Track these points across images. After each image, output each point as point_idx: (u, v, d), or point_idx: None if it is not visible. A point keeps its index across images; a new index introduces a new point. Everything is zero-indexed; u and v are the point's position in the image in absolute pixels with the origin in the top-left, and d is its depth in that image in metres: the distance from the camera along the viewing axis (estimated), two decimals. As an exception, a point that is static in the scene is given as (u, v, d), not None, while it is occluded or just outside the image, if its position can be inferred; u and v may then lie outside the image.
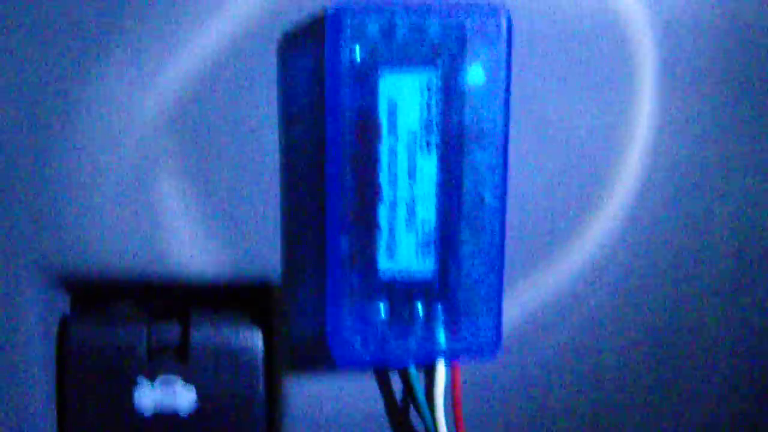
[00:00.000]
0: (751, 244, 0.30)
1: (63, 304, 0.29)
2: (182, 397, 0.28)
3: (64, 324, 0.29)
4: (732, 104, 0.29)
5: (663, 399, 0.31)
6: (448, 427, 0.28)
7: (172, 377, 0.28)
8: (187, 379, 0.28)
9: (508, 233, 0.27)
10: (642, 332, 0.30)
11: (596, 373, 0.30)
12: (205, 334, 0.28)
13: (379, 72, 0.25)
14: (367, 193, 0.26)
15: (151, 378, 0.28)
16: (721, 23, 0.28)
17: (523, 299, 0.29)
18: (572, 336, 0.30)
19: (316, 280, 0.28)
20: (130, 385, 0.28)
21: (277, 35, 0.27)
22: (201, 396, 0.28)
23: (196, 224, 0.28)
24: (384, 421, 0.29)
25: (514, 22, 0.26)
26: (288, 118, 0.27)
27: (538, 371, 0.30)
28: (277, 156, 0.27)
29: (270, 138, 0.27)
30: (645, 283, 0.30)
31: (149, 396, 0.28)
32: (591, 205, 0.29)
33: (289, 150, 0.27)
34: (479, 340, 0.27)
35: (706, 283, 0.30)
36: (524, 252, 0.29)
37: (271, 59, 0.27)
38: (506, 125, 0.26)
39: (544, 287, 0.29)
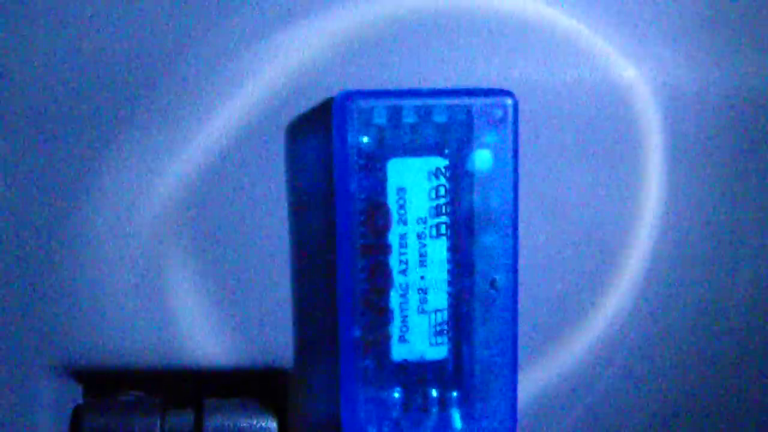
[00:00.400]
0: (765, 316, 0.30)
1: (75, 393, 0.29)
2: (197, 487, 0.28)
3: (76, 414, 0.29)
4: (740, 177, 0.29)
5: None
6: None
7: (186, 466, 0.28)
8: (202, 469, 0.28)
9: (521, 313, 0.27)
10: (656, 406, 0.30)
11: None
12: (219, 422, 0.28)
13: (386, 158, 0.26)
14: (379, 279, 0.26)
15: (165, 468, 0.28)
16: (727, 96, 0.28)
17: (538, 377, 0.29)
18: (587, 413, 0.30)
19: (329, 365, 0.28)
20: (144, 475, 0.28)
21: (286, 122, 0.27)
22: (216, 485, 0.28)
23: (208, 312, 0.28)
24: (400, 505, 0.29)
25: (520, 104, 0.26)
26: (298, 205, 0.27)
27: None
28: (287, 242, 0.27)
29: (280, 225, 0.27)
30: (658, 358, 0.30)
31: (163, 487, 0.28)
32: (602, 282, 0.29)
33: (299, 236, 0.27)
34: (494, 424, 0.27)
35: (720, 356, 0.30)
36: (537, 331, 0.29)
37: (280, 146, 0.27)
38: (515, 207, 0.26)
39: (558, 365, 0.29)
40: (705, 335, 0.30)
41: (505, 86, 0.27)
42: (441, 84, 0.27)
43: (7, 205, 0.27)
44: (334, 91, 0.27)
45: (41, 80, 0.26)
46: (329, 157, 0.27)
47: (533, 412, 0.29)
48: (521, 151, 0.26)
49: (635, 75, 0.28)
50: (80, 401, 0.29)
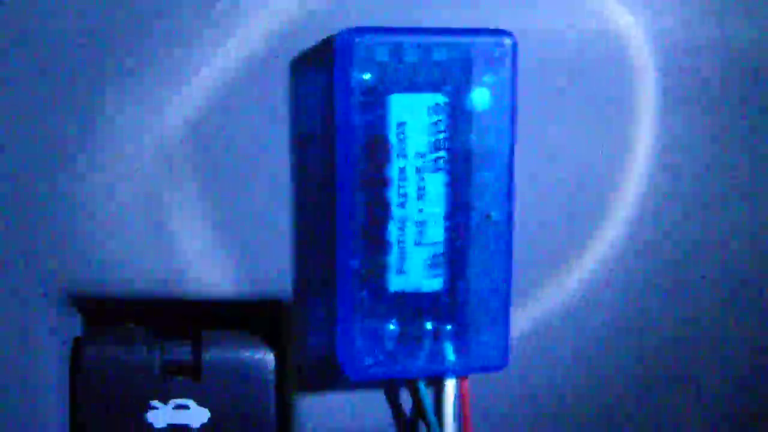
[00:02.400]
0: (749, 264, 0.31)
1: (75, 324, 0.29)
2: (195, 414, 0.29)
3: (76, 345, 0.29)
4: (732, 129, 0.30)
5: (670, 409, 0.31)
6: (457, 442, 0.29)
7: (185, 395, 0.29)
8: (200, 398, 0.29)
9: (515, 249, 0.28)
10: (646, 343, 0.31)
11: (604, 384, 0.31)
12: (217, 353, 0.29)
13: (388, 94, 0.26)
14: (377, 212, 0.27)
15: (164, 397, 0.29)
16: (722, 47, 0.29)
17: (530, 312, 0.30)
18: (579, 347, 0.30)
19: (326, 297, 0.28)
20: (143, 404, 0.29)
21: (289, 58, 0.27)
22: (213, 414, 0.29)
23: (208, 244, 0.28)
24: (394, 436, 0.30)
25: (519, 46, 0.27)
26: (300, 139, 0.28)
27: (547, 383, 0.30)
28: (288, 176, 0.28)
29: (281, 158, 0.28)
30: (648, 295, 0.30)
31: (162, 415, 0.29)
32: (594, 220, 0.30)
33: (300, 170, 0.28)
34: (487, 356, 0.28)
35: (706, 296, 0.31)
36: (531, 267, 0.29)
37: (283, 82, 0.27)
38: (512, 145, 0.27)
39: (550, 300, 0.30)
40: (694, 274, 0.31)
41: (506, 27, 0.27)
42: (438, 23, 0.27)
43: (10, 137, 0.27)
44: (337, 28, 0.27)
45: (50, 13, 0.26)
46: (331, 93, 0.27)
47: (527, 345, 0.30)
48: (519, 91, 0.27)
49: (631, 22, 0.29)
50: (80, 332, 0.30)
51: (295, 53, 0.27)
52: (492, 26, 0.28)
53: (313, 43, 0.27)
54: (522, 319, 0.30)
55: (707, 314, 0.31)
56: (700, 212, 0.30)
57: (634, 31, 0.29)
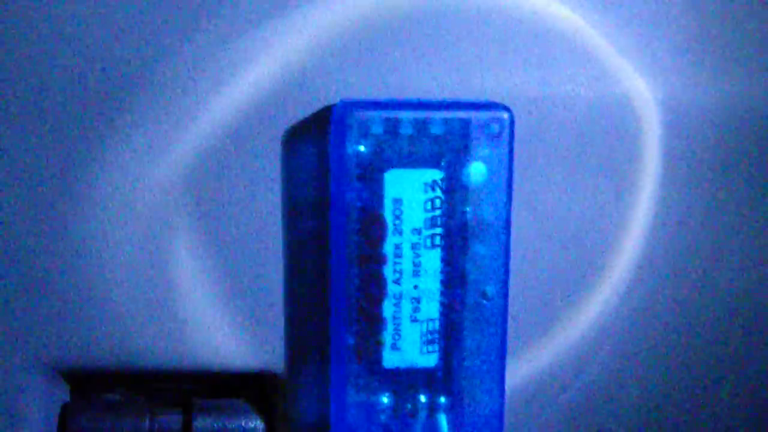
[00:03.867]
0: (747, 328, 0.31)
1: (63, 393, 0.29)
2: (185, 487, 0.28)
3: (64, 414, 0.29)
4: (732, 195, 0.30)
5: None
6: None
7: (174, 467, 0.28)
8: (190, 469, 0.28)
9: (509, 313, 0.28)
10: (638, 402, 0.31)
11: None
12: (207, 422, 0.28)
13: (383, 169, 0.26)
14: (373, 288, 0.26)
15: (154, 469, 0.28)
16: (724, 114, 0.29)
17: (522, 375, 0.30)
18: (572, 411, 0.30)
19: (319, 370, 0.28)
20: (132, 476, 0.28)
21: (282, 129, 0.27)
22: (203, 486, 0.28)
23: (200, 315, 0.28)
24: (386, 508, 0.30)
25: (516, 114, 0.27)
26: (293, 212, 0.27)
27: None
28: (281, 248, 0.27)
29: (275, 231, 0.27)
30: (642, 355, 0.31)
31: (151, 486, 0.28)
32: (587, 288, 0.29)
33: (293, 243, 0.27)
34: (481, 429, 0.27)
35: (701, 357, 0.31)
36: (522, 331, 0.29)
37: (277, 153, 0.27)
38: (508, 219, 0.27)
39: (542, 363, 0.30)
40: (690, 336, 0.31)
41: (502, 96, 0.27)
42: (437, 92, 0.27)
43: None
44: (331, 98, 0.27)
45: (44, 67, 0.26)
46: (325, 166, 0.27)
47: (519, 408, 0.30)
48: (516, 162, 0.27)
49: (631, 90, 0.28)
50: (68, 400, 0.29)
51: (289, 124, 0.27)
52: (490, 92, 0.28)
53: (308, 114, 0.27)
54: (514, 382, 0.29)
55: (702, 376, 0.31)
56: (698, 277, 0.30)
57: (633, 99, 0.28)
